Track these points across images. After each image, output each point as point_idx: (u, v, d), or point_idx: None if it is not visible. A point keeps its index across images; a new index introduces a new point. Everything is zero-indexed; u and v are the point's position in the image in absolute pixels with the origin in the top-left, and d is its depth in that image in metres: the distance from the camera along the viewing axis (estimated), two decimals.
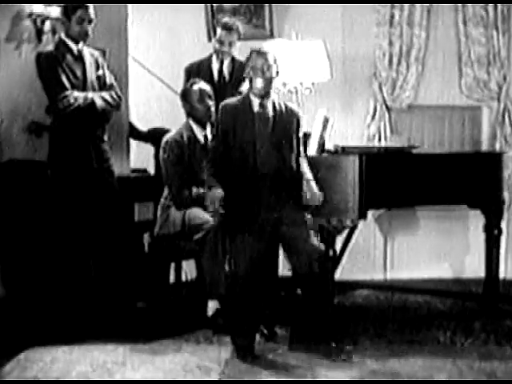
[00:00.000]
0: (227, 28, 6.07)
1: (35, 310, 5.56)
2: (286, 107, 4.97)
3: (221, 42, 6.10)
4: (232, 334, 4.99)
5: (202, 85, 5.73)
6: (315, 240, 4.92)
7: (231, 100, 5.02)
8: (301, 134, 5.02)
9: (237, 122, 4.86)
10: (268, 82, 4.86)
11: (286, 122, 4.93)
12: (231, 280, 5.01)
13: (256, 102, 4.88)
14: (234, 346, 4.95)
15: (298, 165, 4.96)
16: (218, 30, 6.11)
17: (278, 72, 4.92)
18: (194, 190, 5.60)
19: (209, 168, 4.95)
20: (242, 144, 4.85)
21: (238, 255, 4.87)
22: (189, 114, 5.73)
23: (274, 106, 4.92)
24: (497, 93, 7.00)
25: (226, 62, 6.20)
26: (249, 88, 4.93)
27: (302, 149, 5.03)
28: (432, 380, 4.58)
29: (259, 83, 4.85)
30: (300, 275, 4.98)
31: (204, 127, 5.71)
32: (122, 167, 6.05)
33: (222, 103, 4.99)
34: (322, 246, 4.96)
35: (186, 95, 5.74)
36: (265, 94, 4.87)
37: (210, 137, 5.71)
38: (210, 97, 5.70)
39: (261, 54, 4.90)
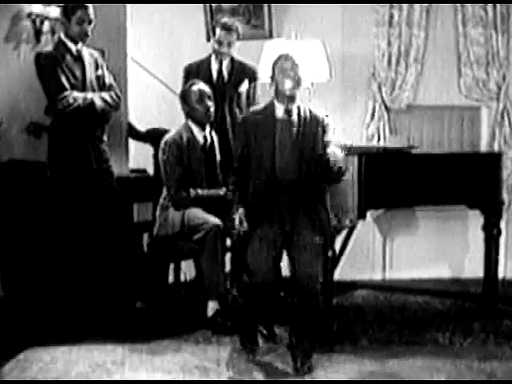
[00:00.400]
0: (226, 28, 6.06)
1: (34, 311, 5.56)
2: (311, 113, 4.83)
3: (220, 43, 6.10)
4: (243, 336, 5.01)
5: (201, 85, 5.73)
6: (318, 266, 4.78)
7: (253, 109, 5.00)
8: (328, 139, 4.81)
9: (258, 131, 4.78)
10: (296, 84, 4.78)
11: (311, 129, 4.79)
12: (247, 285, 5.04)
13: (280, 109, 4.78)
14: (243, 347, 4.98)
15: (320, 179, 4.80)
16: (218, 31, 6.10)
17: (301, 79, 4.85)
18: (192, 190, 5.61)
19: (232, 180, 4.93)
20: (262, 151, 4.76)
21: (254, 262, 4.79)
22: (188, 115, 5.73)
23: (299, 113, 4.81)
24: (496, 93, 6.99)
25: (225, 62, 6.19)
26: (274, 94, 4.85)
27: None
28: (431, 380, 4.59)
29: (288, 84, 4.76)
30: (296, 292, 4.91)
31: (203, 128, 5.71)
32: (121, 167, 6.05)
33: (243, 115, 5.02)
34: (320, 276, 4.81)
35: (185, 96, 5.74)
36: (292, 97, 4.78)
37: (209, 138, 5.72)
38: (209, 97, 5.70)
39: (289, 57, 4.84)
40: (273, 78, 4.86)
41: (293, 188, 4.74)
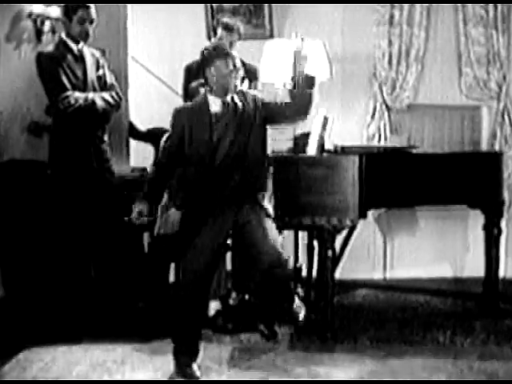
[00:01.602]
0: (228, 28, 6.06)
1: (35, 310, 5.56)
2: (245, 97, 4.74)
3: None
4: (175, 344, 4.70)
5: None
6: (278, 244, 4.60)
7: (186, 104, 4.87)
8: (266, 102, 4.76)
9: (193, 123, 4.67)
10: (229, 81, 4.67)
11: (248, 114, 4.69)
12: (179, 280, 4.88)
13: (214, 102, 4.68)
14: (175, 359, 4.68)
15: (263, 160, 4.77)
16: (219, 31, 6.10)
17: (239, 72, 4.73)
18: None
19: (153, 170, 4.87)
20: (199, 143, 4.65)
21: (192, 254, 4.61)
22: None
23: (234, 101, 4.70)
24: (496, 92, 6.99)
25: None
26: (206, 87, 4.76)
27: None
28: (432, 380, 4.59)
29: (231, 85, 4.67)
30: (257, 283, 4.76)
31: None
32: (121, 167, 6.05)
33: (175, 107, 4.82)
34: (284, 254, 4.61)
35: (192, 95, 5.72)
36: (224, 93, 4.68)
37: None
38: None
39: (223, 53, 4.70)
40: (204, 72, 4.72)
41: (235, 179, 4.66)
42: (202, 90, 5.65)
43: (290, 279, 4.78)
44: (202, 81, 5.74)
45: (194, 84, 5.80)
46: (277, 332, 5.26)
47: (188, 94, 5.79)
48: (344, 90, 6.94)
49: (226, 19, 6.21)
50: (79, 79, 5.50)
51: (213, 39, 6.30)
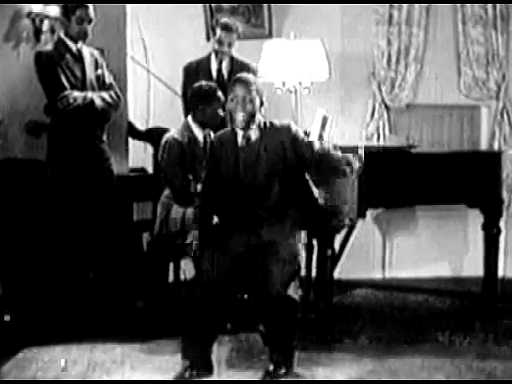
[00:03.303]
0: (227, 28, 6.07)
1: (33, 310, 5.56)
2: (273, 127, 4.62)
3: (220, 42, 6.10)
4: (185, 341, 4.67)
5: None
6: (293, 287, 4.54)
7: (222, 131, 4.76)
8: (303, 139, 4.67)
9: (223, 153, 4.61)
10: (249, 116, 4.52)
11: (275, 143, 4.58)
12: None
13: (240, 134, 4.59)
14: (184, 356, 4.63)
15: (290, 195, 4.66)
16: (218, 31, 6.10)
17: (263, 102, 4.60)
18: (198, 187, 5.60)
19: (200, 202, 4.81)
20: (228, 175, 4.60)
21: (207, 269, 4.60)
22: (188, 114, 5.72)
23: (262, 135, 4.57)
24: (495, 92, 7.00)
25: (225, 62, 6.20)
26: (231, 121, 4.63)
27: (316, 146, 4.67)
28: (431, 380, 4.59)
29: (239, 117, 4.52)
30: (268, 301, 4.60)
31: (203, 128, 5.70)
32: (120, 167, 6.05)
33: (215, 135, 4.81)
34: (297, 296, 4.56)
35: (191, 96, 5.71)
36: (245, 128, 4.55)
37: (208, 137, 5.71)
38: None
39: (243, 82, 4.57)
40: (227, 106, 4.64)
41: (263, 210, 4.59)
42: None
43: (288, 318, 4.57)
44: (207, 83, 5.76)
45: (194, 86, 5.79)
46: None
47: (187, 93, 5.80)
48: (343, 90, 6.94)
49: (224, 19, 6.21)
50: (78, 79, 5.50)
51: (212, 39, 6.28)
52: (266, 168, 4.57)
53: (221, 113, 5.57)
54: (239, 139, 4.60)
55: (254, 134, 4.59)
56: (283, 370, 4.56)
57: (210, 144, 4.82)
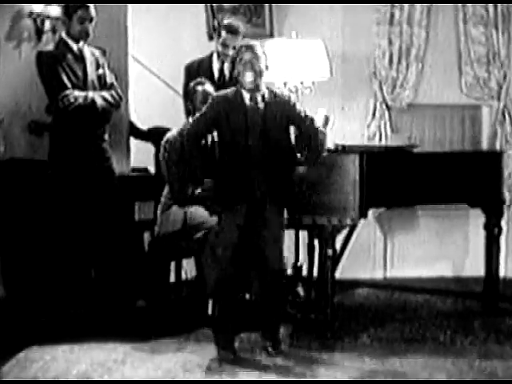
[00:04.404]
0: (232, 32, 6.05)
1: (35, 310, 5.56)
2: (276, 96, 4.90)
3: (225, 45, 6.09)
4: (217, 329, 4.97)
5: (207, 86, 5.71)
6: (282, 254, 4.96)
7: (223, 92, 4.97)
8: (300, 111, 4.94)
9: (229, 114, 4.83)
10: (257, 76, 4.81)
11: (277, 113, 4.87)
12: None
13: (247, 96, 4.84)
14: (218, 343, 4.94)
15: (291, 159, 4.98)
16: (223, 33, 6.06)
17: (267, 66, 4.89)
18: (199, 189, 5.60)
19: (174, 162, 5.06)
20: (234, 136, 4.82)
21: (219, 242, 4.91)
22: (190, 113, 5.72)
23: (264, 99, 4.85)
24: (497, 92, 7.00)
25: (227, 62, 6.19)
26: (238, 83, 4.87)
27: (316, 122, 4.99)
28: (432, 379, 4.59)
29: (249, 77, 4.81)
30: (260, 285, 4.99)
31: None
32: (122, 166, 6.05)
33: (214, 94, 5.00)
34: (285, 264, 5.06)
35: (189, 95, 5.73)
36: (255, 88, 4.83)
37: (209, 137, 5.72)
38: None
39: (249, 47, 4.87)
40: (233, 68, 4.87)
41: (261, 172, 4.83)
42: (199, 88, 5.67)
43: (282, 287, 5.09)
44: (200, 80, 5.77)
45: (191, 84, 5.80)
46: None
47: (187, 93, 5.80)
48: (344, 90, 6.94)
49: (228, 21, 6.19)
50: (79, 78, 5.50)
51: (215, 41, 6.26)
52: (270, 133, 4.83)
53: None
54: (246, 100, 4.84)
55: (259, 97, 4.85)
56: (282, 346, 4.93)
57: (210, 103, 4.91)
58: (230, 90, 4.93)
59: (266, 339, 4.97)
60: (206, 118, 4.89)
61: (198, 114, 5.02)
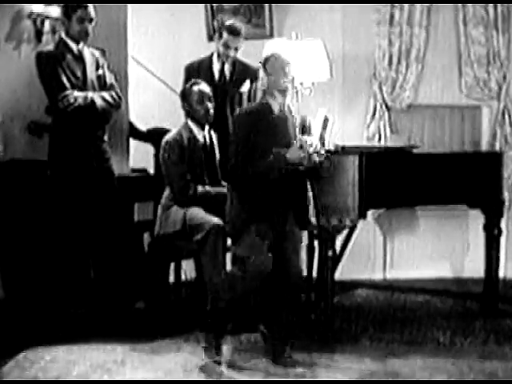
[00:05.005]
0: (234, 33, 6.04)
1: (35, 310, 5.56)
2: (289, 108, 4.96)
3: (227, 46, 6.08)
4: (218, 330, 4.90)
5: (202, 86, 5.71)
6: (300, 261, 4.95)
7: (247, 107, 4.99)
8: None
9: (259, 126, 4.78)
10: (289, 81, 4.86)
11: (293, 123, 4.94)
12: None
13: (275, 105, 4.83)
14: (215, 342, 4.87)
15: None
16: (225, 34, 6.05)
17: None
18: (200, 188, 5.60)
19: (232, 173, 4.85)
20: (266, 146, 4.77)
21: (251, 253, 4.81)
22: (188, 114, 5.73)
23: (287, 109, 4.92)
24: (497, 92, 7.00)
25: (227, 63, 6.19)
26: (266, 91, 4.85)
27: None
28: (432, 380, 4.59)
29: (285, 83, 4.81)
30: (279, 286, 4.92)
31: (203, 127, 5.71)
32: (121, 167, 6.05)
33: (238, 111, 5.00)
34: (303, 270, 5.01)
35: (185, 95, 5.72)
36: (284, 93, 4.85)
37: (208, 137, 5.72)
38: (209, 99, 5.68)
39: (279, 57, 4.88)
40: (267, 75, 4.84)
41: (287, 182, 4.82)
42: (195, 88, 5.66)
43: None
44: (195, 80, 5.77)
45: (187, 85, 5.80)
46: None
47: (183, 94, 5.80)
48: (344, 90, 6.94)
49: (230, 22, 6.19)
50: (79, 79, 5.50)
51: (215, 41, 6.25)
52: (291, 138, 4.86)
53: (212, 110, 5.65)
54: (275, 109, 4.84)
55: (285, 104, 4.89)
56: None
57: (240, 117, 4.89)
58: (253, 104, 4.98)
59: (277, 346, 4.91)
60: (241, 138, 4.83)
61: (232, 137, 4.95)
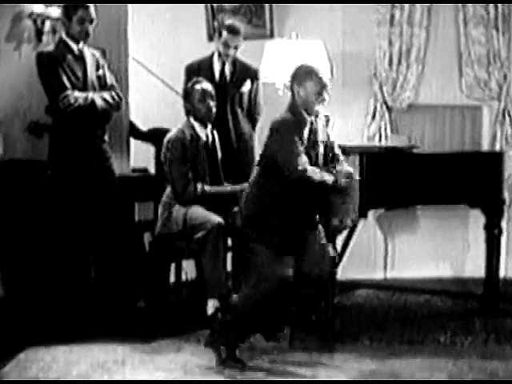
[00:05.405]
0: (233, 32, 6.05)
1: (35, 310, 5.56)
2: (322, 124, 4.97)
3: (226, 45, 6.09)
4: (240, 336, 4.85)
5: (204, 84, 5.72)
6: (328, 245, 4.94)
7: (285, 118, 4.81)
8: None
9: (302, 134, 4.77)
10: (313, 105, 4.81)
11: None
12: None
13: (308, 120, 4.82)
14: (229, 349, 4.80)
15: None
16: (224, 33, 6.07)
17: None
18: (199, 186, 5.61)
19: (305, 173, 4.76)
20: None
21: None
22: (189, 113, 5.73)
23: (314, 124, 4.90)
24: (497, 92, 6.99)
25: (228, 63, 6.20)
26: (300, 103, 4.80)
27: None
28: (432, 380, 4.58)
29: (318, 107, 4.81)
30: (306, 276, 4.91)
31: (205, 126, 5.71)
32: (122, 167, 6.06)
33: (282, 118, 4.81)
34: (333, 251, 4.98)
35: (187, 94, 5.73)
36: (308, 113, 4.81)
37: (210, 136, 5.72)
38: (211, 97, 5.69)
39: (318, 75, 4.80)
40: (301, 87, 4.77)
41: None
42: (197, 87, 5.67)
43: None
44: (197, 79, 5.78)
45: (188, 84, 5.81)
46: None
47: (186, 92, 5.80)
48: (344, 90, 6.92)
49: (230, 21, 6.19)
50: (79, 79, 5.51)
51: (216, 41, 6.25)
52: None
53: (214, 109, 5.66)
54: (308, 124, 4.81)
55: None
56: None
57: (288, 123, 4.80)
58: (288, 112, 4.82)
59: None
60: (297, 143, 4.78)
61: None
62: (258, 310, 4.79)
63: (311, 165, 4.76)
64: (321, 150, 4.91)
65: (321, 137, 4.90)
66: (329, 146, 4.97)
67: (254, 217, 4.85)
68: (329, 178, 4.79)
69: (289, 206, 4.76)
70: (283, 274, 4.72)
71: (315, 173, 4.75)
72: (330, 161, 4.97)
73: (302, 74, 4.81)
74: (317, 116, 4.87)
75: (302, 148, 4.72)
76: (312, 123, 4.85)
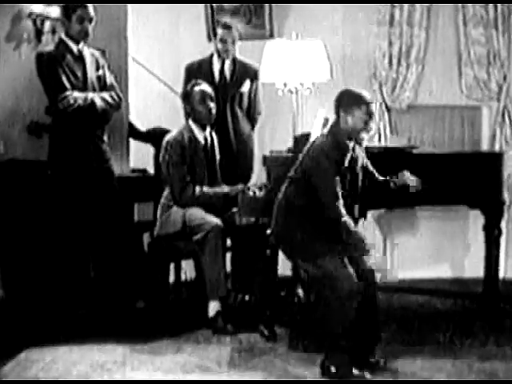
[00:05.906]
0: (226, 27, 6.11)
1: (35, 310, 5.56)
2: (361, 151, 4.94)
3: (223, 41, 6.12)
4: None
5: (203, 86, 5.72)
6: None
7: (327, 143, 4.71)
8: None
9: (343, 164, 4.65)
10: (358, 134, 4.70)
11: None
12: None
13: (350, 144, 4.70)
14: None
15: None
16: (219, 31, 6.12)
17: None
18: (198, 188, 5.61)
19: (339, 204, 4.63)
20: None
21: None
22: (189, 115, 5.73)
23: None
24: (497, 93, 6.99)
25: (228, 62, 6.21)
26: (346, 130, 4.67)
27: None
28: (432, 380, 4.58)
29: (363, 135, 4.70)
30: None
31: (204, 128, 5.71)
32: (121, 167, 6.06)
33: (321, 149, 4.69)
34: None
35: (187, 96, 5.73)
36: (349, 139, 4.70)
37: (209, 138, 5.72)
38: (211, 99, 5.69)
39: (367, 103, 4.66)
40: (349, 115, 4.66)
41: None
42: (196, 89, 5.68)
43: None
44: (196, 81, 5.77)
45: (188, 86, 5.81)
46: (276, 333, 5.25)
47: (185, 94, 5.80)
48: None
49: (223, 19, 6.23)
50: (79, 79, 5.51)
51: (214, 42, 6.28)
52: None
53: (214, 110, 5.66)
54: (350, 151, 4.69)
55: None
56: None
57: (330, 163, 4.62)
58: (327, 137, 4.73)
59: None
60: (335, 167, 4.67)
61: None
62: (346, 316, 4.62)
63: (344, 188, 4.64)
64: (360, 176, 4.83)
65: (360, 162, 4.82)
66: (367, 170, 4.95)
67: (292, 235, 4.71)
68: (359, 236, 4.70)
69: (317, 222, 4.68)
70: (352, 277, 4.63)
71: (350, 224, 4.64)
72: (368, 181, 4.95)
73: (351, 101, 4.68)
74: (359, 143, 4.77)
75: (338, 178, 4.60)
76: (353, 150, 4.73)
